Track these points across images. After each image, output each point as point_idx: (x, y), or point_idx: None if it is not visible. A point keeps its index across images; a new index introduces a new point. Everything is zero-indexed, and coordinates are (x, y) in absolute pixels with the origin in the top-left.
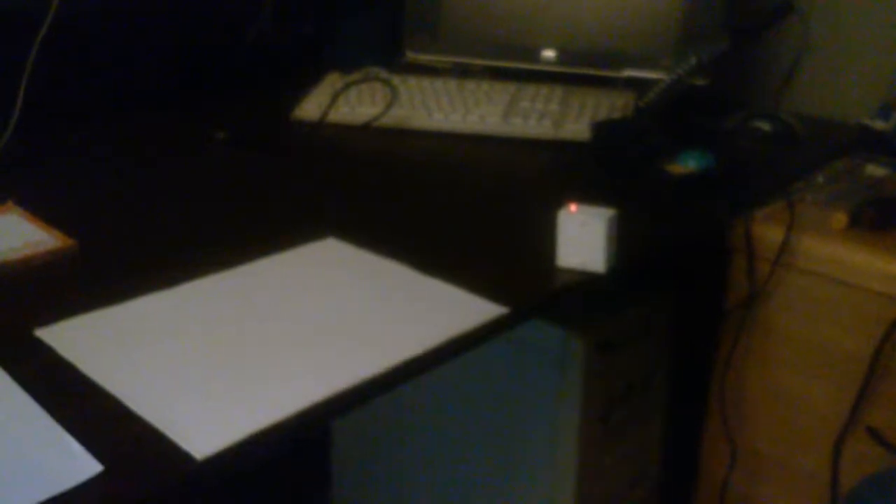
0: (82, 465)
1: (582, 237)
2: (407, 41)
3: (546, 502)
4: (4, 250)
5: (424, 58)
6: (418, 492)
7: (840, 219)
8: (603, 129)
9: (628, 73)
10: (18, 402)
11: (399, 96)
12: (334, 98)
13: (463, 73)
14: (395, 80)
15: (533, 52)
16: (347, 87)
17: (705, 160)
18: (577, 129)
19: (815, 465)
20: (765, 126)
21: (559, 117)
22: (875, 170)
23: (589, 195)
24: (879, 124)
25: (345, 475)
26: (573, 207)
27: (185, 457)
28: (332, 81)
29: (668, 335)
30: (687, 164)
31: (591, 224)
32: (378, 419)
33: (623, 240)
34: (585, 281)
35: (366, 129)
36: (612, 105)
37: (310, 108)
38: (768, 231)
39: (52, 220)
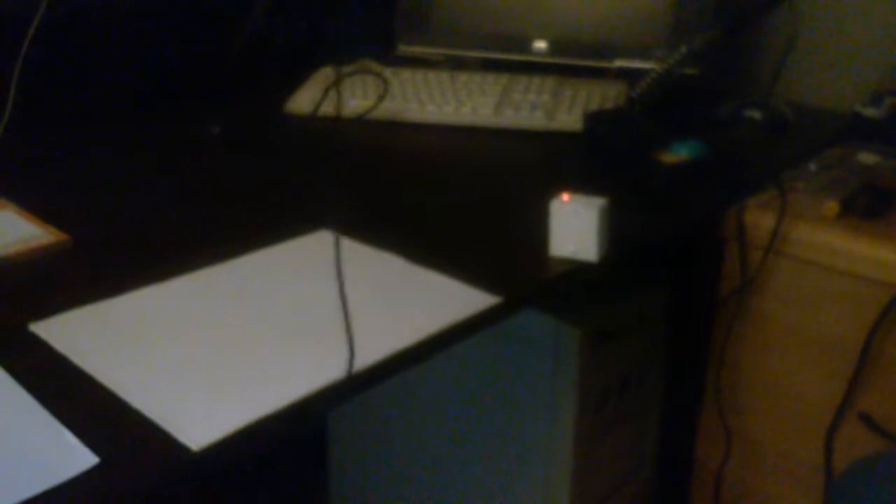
0: (78, 458)
1: (574, 226)
2: (399, 33)
3: (542, 493)
4: None
5: (416, 50)
6: (415, 483)
7: (832, 206)
8: (595, 120)
9: (620, 63)
10: (14, 395)
11: (391, 89)
12: (327, 91)
13: (455, 65)
14: (388, 72)
15: (525, 43)
16: (340, 79)
17: (698, 149)
18: (569, 119)
19: (810, 451)
20: (757, 115)
21: (551, 108)
22: (867, 157)
23: (581, 185)
24: (871, 112)
25: (341, 473)
26: (565, 197)
27: (182, 448)
28: (325, 74)
29: (662, 325)
30: (679, 154)
31: (584, 213)
32: (374, 415)
33: (616, 229)
34: (578, 270)
35: (358, 121)
36: (605, 95)
37: (302, 101)
38: (761, 219)
39: (45, 215)
